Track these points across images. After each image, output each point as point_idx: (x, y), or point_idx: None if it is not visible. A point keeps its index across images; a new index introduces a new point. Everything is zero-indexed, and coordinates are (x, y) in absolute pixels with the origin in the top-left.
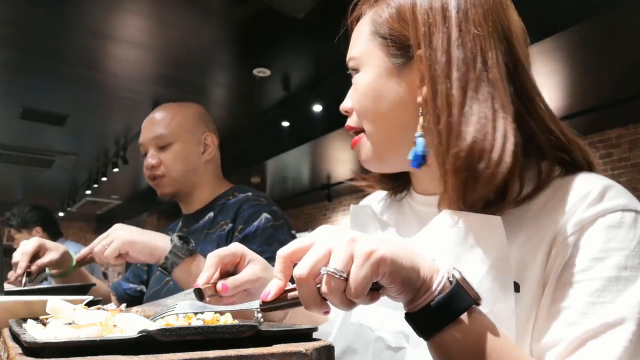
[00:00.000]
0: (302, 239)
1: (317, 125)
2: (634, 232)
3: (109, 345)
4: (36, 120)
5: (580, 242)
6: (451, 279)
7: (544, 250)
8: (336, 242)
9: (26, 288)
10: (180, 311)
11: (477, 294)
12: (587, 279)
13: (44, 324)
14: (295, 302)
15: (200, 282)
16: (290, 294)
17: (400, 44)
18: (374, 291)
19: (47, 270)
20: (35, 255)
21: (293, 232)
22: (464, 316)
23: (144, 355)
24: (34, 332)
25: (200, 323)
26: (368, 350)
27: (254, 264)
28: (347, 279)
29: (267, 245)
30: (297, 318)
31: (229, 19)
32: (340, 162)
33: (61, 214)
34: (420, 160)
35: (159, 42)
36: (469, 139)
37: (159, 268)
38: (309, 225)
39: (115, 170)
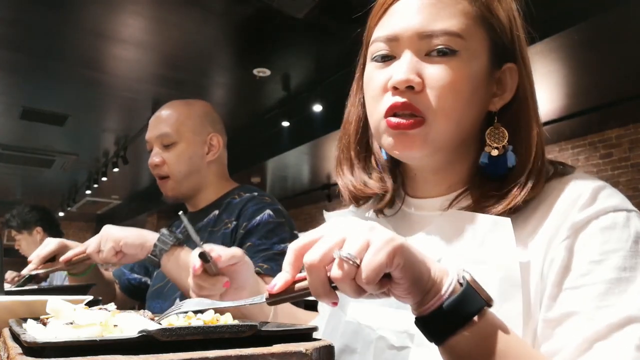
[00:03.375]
0: (314, 232)
1: (317, 125)
2: (627, 232)
3: (109, 345)
4: (36, 120)
5: (575, 246)
6: (461, 280)
7: (539, 254)
8: (352, 230)
9: (26, 288)
10: (187, 309)
11: (488, 295)
12: (589, 284)
13: (44, 324)
14: (304, 293)
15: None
16: (298, 285)
17: (501, 44)
18: (384, 280)
19: (67, 273)
20: (56, 255)
21: (295, 232)
22: (476, 318)
23: (144, 355)
24: (34, 332)
25: (200, 323)
26: (369, 349)
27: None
28: (359, 266)
29: (266, 238)
30: (283, 319)
31: (229, 19)
32: None
33: (61, 214)
34: (505, 171)
35: (159, 42)
36: (543, 148)
37: (149, 256)
38: (309, 225)
39: (115, 170)
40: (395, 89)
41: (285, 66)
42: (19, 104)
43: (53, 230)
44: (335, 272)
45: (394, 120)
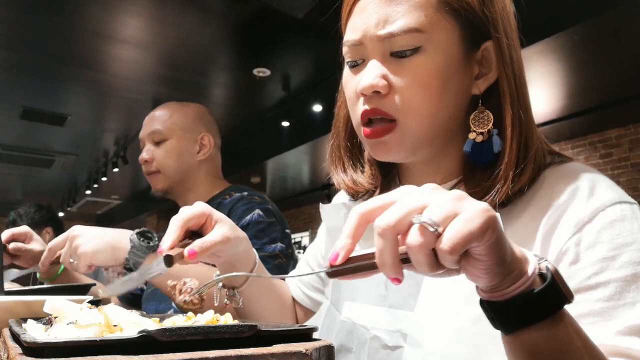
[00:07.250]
0: (385, 196)
1: (317, 125)
2: (637, 223)
3: (109, 345)
4: (36, 120)
5: (583, 242)
6: (544, 270)
7: (535, 247)
8: (435, 197)
9: (26, 288)
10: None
11: (570, 291)
12: (603, 282)
13: (50, 323)
14: (369, 264)
15: (165, 246)
16: (362, 255)
17: (473, 26)
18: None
19: (38, 275)
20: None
21: (287, 231)
22: (555, 314)
23: (144, 355)
24: (34, 332)
25: (200, 323)
26: (363, 349)
27: (221, 225)
28: (439, 236)
29: (256, 238)
30: (262, 294)
31: (229, 19)
32: None
33: (61, 214)
34: (491, 157)
35: (159, 42)
36: (536, 133)
37: (124, 269)
38: (309, 225)
39: (115, 170)
40: (364, 95)
41: (285, 66)
42: (19, 104)
43: (60, 229)
44: (413, 238)
45: (368, 129)
